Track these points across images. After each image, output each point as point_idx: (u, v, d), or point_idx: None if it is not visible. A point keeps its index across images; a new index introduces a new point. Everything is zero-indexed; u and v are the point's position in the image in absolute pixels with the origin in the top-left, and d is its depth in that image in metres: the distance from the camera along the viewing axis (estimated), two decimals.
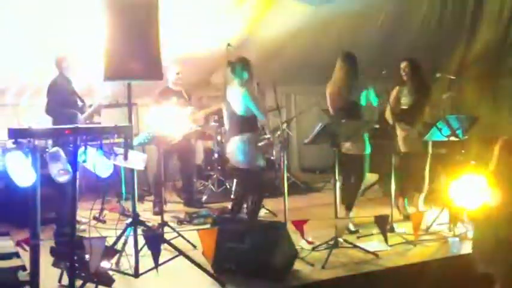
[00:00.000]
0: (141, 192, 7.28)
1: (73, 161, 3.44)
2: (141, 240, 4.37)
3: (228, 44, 7.57)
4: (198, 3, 7.21)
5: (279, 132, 7.72)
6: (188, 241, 5.22)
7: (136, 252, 4.34)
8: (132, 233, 4.51)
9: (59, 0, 6.37)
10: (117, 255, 4.53)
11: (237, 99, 5.31)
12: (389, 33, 8.58)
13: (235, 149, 5.34)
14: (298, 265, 4.62)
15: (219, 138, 7.90)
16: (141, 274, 4.29)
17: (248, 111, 5.30)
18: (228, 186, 7.70)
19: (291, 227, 4.71)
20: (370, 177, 7.13)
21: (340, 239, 5.03)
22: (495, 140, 3.75)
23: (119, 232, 4.58)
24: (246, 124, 5.31)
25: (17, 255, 4.49)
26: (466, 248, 5.01)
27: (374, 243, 5.21)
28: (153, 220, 6.00)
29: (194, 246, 5.13)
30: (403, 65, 6.02)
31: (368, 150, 5.70)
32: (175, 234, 5.22)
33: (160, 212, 5.49)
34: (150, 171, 6.99)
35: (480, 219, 3.74)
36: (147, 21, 4.36)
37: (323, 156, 8.55)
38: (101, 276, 4.08)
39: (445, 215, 5.71)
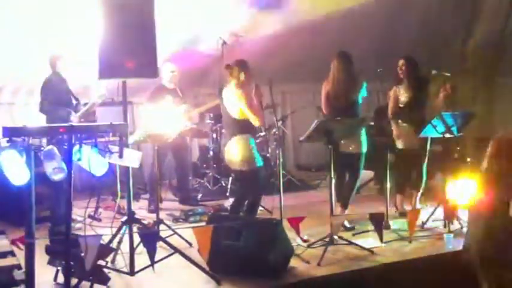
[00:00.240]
0: (136, 190, 7.27)
1: (68, 159, 3.43)
2: (137, 238, 4.37)
3: (224, 42, 7.60)
4: (194, 1, 7.20)
5: (274, 130, 7.74)
6: (184, 239, 5.22)
7: (132, 250, 4.33)
8: (127, 231, 4.51)
9: (57, 0, 6.37)
10: (113, 253, 4.54)
11: (232, 101, 5.29)
12: (387, 31, 8.60)
13: (232, 151, 5.32)
14: (293, 262, 4.64)
15: (214, 136, 7.90)
16: (137, 272, 4.28)
17: (243, 114, 5.26)
18: (224, 184, 7.71)
19: (286, 225, 4.71)
20: (365, 175, 7.17)
21: (336, 236, 5.04)
22: (489, 139, 3.74)
23: (114, 230, 4.58)
24: (242, 126, 5.29)
25: (12, 253, 4.49)
26: (461, 245, 5.03)
27: (369, 240, 5.22)
28: (148, 218, 6.00)
29: (190, 244, 5.12)
30: (400, 62, 6.04)
31: (365, 149, 5.70)
32: (171, 232, 5.22)
33: (156, 210, 5.48)
34: (145, 169, 6.98)
35: (473, 217, 3.74)
36: (142, 19, 4.35)
37: (318, 154, 8.56)
38: (96, 274, 4.08)
39: (440, 211, 5.73)
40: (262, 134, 7.58)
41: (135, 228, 4.56)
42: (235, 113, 5.27)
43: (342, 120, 5.35)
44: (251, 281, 4.30)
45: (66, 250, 3.54)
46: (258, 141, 7.28)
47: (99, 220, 6.14)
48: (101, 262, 4.24)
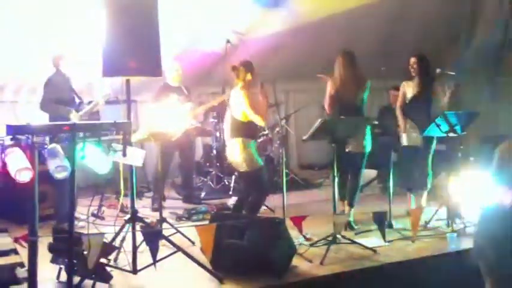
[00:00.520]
0: (140, 189, 7.28)
1: (71, 158, 3.44)
2: (140, 237, 4.38)
3: (228, 41, 7.60)
4: (198, 0, 7.20)
5: (277, 129, 7.74)
6: (186, 237, 5.22)
7: (135, 248, 4.34)
8: (130, 229, 4.51)
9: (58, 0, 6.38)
10: (116, 251, 4.54)
11: (237, 102, 5.29)
12: (389, 30, 8.58)
13: (233, 151, 5.32)
14: (296, 261, 4.63)
15: (217, 134, 7.90)
16: (140, 270, 4.28)
17: (246, 117, 5.25)
18: (227, 183, 7.71)
19: (289, 223, 4.71)
20: (368, 174, 7.16)
21: (339, 235, 5.03)
22: (494, 139, 3.70)
23: (117, 228, 4.58)
24: (243, 128, 5.28)
25: (15, 251, 4.49)
26: (465, 244, 5.03)
27: (372, 239, 5.21)
28: (151, 216, 6.00)
29: (192, 243, 5.13)
30: (411, 60, 6.03)
31: (369, 148, 5.68)
32: (174, 231, 5.23)
33: (159, 209, 5.48)
34: (149, 167, 6.98)
35: (489, 216, 3.70)
36: (147, 17, 4.35)
37: (322, 153, 8.56)
38: (99, 273, 4.09)
39: (443, 210, 5.71)
40: (265, 132, 7.58)
41: (138, 227, 4.56)
42: (238, 114, 5.27)
43: (345, 119, 5.33)
44: (254, 280, 4.29)
45: (69, 248, 3.55)
46: (260, 140, 7.31)
47: (102, 218, 6.15)
48: (104, 260, 4.24)
